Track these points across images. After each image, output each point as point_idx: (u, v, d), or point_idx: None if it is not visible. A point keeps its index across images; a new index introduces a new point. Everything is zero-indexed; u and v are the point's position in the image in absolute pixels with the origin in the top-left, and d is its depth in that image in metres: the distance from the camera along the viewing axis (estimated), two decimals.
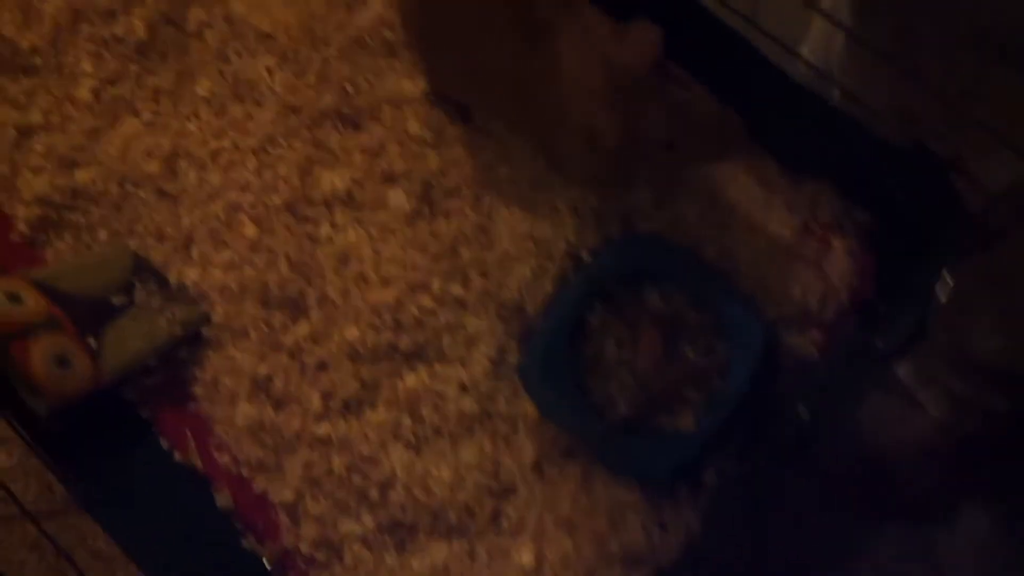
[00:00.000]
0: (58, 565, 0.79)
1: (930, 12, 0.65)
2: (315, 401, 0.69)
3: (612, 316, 0.66)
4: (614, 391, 0.65)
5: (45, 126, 0.79)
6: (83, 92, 0.79)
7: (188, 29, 0.79)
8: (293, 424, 0.69)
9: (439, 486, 0.66)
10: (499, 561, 0.65)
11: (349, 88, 0.75)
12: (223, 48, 0.77)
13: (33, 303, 0.65)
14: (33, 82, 0.80)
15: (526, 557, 0.65)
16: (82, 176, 0.77)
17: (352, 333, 0.70)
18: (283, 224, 0.73)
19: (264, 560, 0.66)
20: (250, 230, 0.73)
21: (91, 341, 0.67)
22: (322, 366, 0.70)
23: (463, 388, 0.70)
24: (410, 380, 0.70)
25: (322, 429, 0.69)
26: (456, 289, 0.71)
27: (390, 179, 0.73)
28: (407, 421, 0.69)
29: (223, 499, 0.68)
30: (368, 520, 0.66)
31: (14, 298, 0.64)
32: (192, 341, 0.71)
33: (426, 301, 0.70)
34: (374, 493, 0.66)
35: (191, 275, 0.73)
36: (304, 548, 0.66)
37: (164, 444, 0.69)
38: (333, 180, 0.73)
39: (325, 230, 0.73)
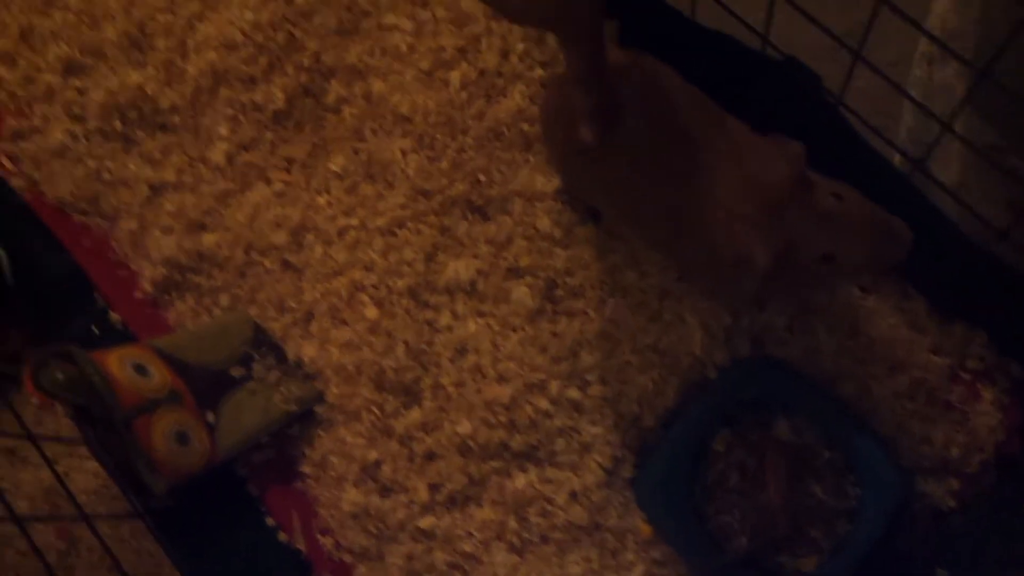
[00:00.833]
0: None
1: None
2: (422, 492, 0.68)
3: (737, 442, 0.64)
4: (734, 521, 0.63)
5: (177, 185, 0.80)
6: (217, 155, 0.80)
7: (327, 103, 0.79)
8: (398, 513, 0.68)
9: None
10: None
11: (482, 177, 0.74)
12: (360, 126, 0.78)
13: (158, 376, 0.66)
14: (169, 140, 0.82)
15: None
16: (209, 240, 0.77)
17: (464, 427, 0.69)
18: (404, 308, 0.73)
19: None
20: (371, 311, 0.73)
21: (209, 416, 0.67)
22: (431, 456, 0.70)
23: (573, 495, 0.68)
24: (519, 481, 0.69)
25: (426, 522, 0.68)
26: (573, 393, 0.69)
27: (515, 273, 0.72)
28: (513, 523, 0.68)
29: None
30: None
31: (141, 370, 0.65)
32: (304, 418, 0.71)
33: (542, 402, 0.69)
34: None
35: (309, 351, 0.73)
36: None
37: (270, 522, 0.69)
38: (458, 269, 0.73)
39: (445, 319, 0.72)
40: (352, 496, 0.68)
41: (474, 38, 0.77)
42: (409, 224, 0.75)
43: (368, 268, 0.74)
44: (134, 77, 0.83)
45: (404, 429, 0.70)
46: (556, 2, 0.49)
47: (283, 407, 0.70)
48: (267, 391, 0.70)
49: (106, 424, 0.61)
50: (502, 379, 0.70)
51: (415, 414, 0.70)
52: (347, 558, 0.68)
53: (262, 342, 0.73)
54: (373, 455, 0.69)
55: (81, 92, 0.84)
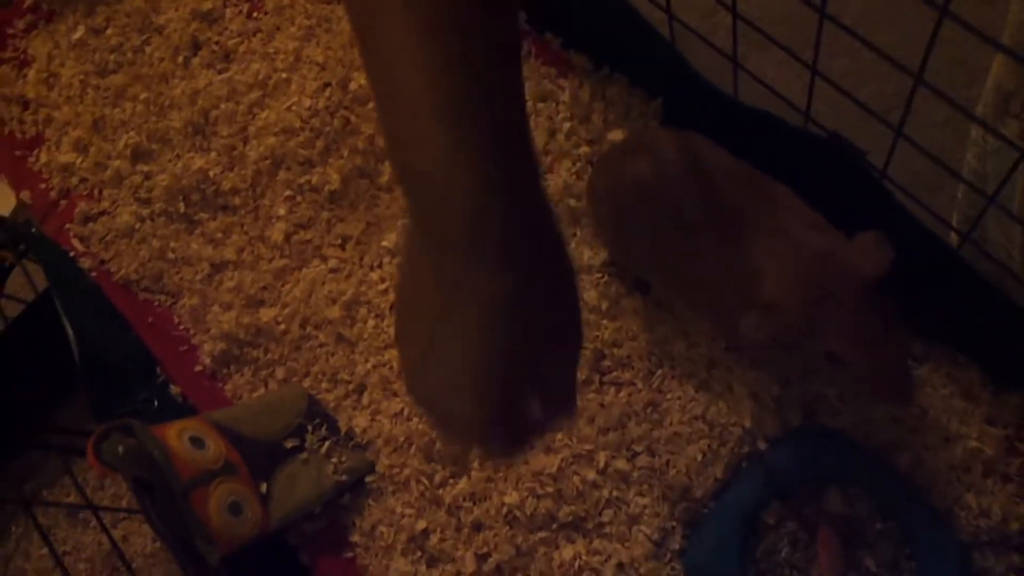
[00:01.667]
0: None
1: None
2: (469, 562, 0.68)
3: (788, 514, 0.63)
4: None
5: (237, 263, 0.83)
6: (276, 234, 0.83)
7: (380, 183, 0.82)
8: None
9: None
10: None
11: None
12: None
13: (214, 448, 0.67)
14: (230, 220, 0.86)
15: None
16: (266, 315, 0.80)
17: (512, 497, 0.69)
18: None
19: None
20: None
21: (263, 487, 0.68)
22: (478, 527, 0.70)
23: (620, 567, 0.67)
24: (567, 552, 0.68)
25: None
26: (621, 464, 0.69)
27: None
28: None
29: None
30: None
31: (198, 443, 0.67)
32: (355, 488, 0.72)
33: (589, 473, 0.69)
34: None
35: (360, 422, 0.74)
36: None
37: None
38: None
39: None
40: (400, 565, 0.69)
41: None
42: None
43: None
44: (198, 162, 0.87)
45: (452, 499, 0.70)
46: None
47: (335, 478, 0.71)
48: (319, 462, 0.72)
49: (165, 495, 0.63)
50: (550, 450, 0.70)
51: (463, 484, 0.71)
52: None
53: (315, 414, 0.74)
54: (421, 525, 0.70)
55: (148, 177, 0.89)
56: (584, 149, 0.79)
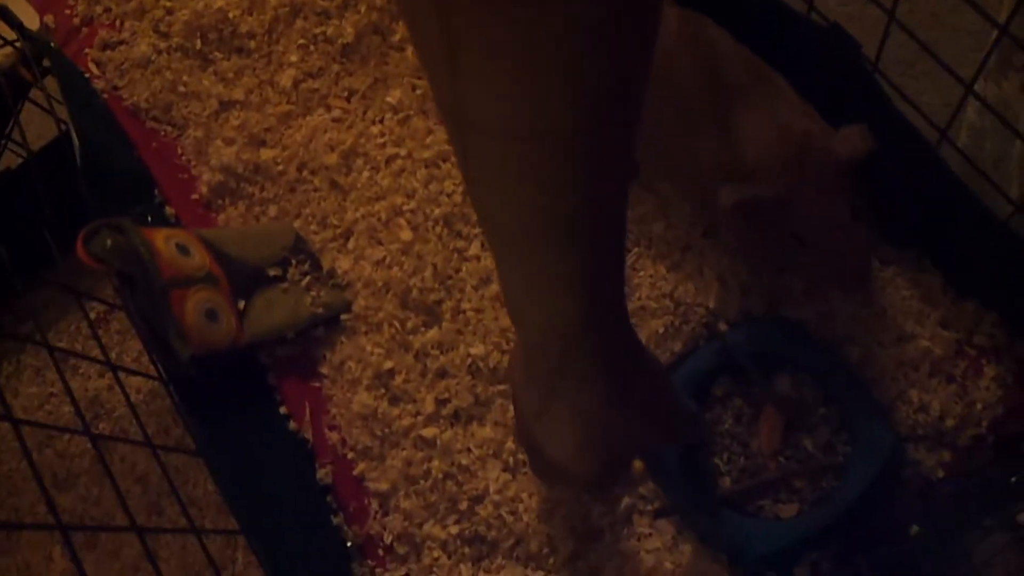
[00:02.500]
0: (159, 502, 0.84)
1: None
2: (429, 404, 0.71)
3: (737, 390, 0.66)
4: (721, 463, 0.64)
5: (244, 103, 0.85)
6: (285, 80, 0.85)
7: (392, 41, 0.84)
8: (403, 421, 0.70)
9: (528, 513, 0.66)
10: None
11: None
12: (420, 64, 0.82)
13: (199, 258, 0.70)
14: (243, 62, 0.87)
15: None
16: (267, 154, 0.82)
17: (478, 349, 0.72)
18: (437, 235, 0.76)
19: (348, 540, 0.68)
20: (406, 234, 0.76)
21: (240, 303, 0.71)
22: (443, 373, 0.72)
23: None
24: None
25: (429, 432, 0.70)
26: None
27: None
28: (510, 444, 0.70)
29: (324, 475, 0.70)
30: (453, 528, 0.66)
31: (183, 250, 0.69)
32: (330, 323, 0.75)
33: None
34: (464, 504, 0.67)
35: (343, 264, 0.77)
36: (387, 539, 0.67)
37: (283, 411, 0.73)
38: None
39: (474, 248, 0.75)
40: (363, 399, 0.72)
41: None
42: (452, 159, 0.78)
43: (409, 195, 0.78)
44: (219, 2, 0.89)
45: (421, 345, 0.73)
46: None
47: (311, 309, 0.74)
48: (299, 293, 0.74)
49: (145, 290, 0.66)
50: None
51: (433, 333, 0.73)
52: (350, 455, 0.71)
53: (301, 250, 0.77)
54: (389, 364, 0.73)
55: (169, 12, 0.91)
56: None
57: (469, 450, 0.70)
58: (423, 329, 0.74)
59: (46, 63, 0.86)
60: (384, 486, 0.69)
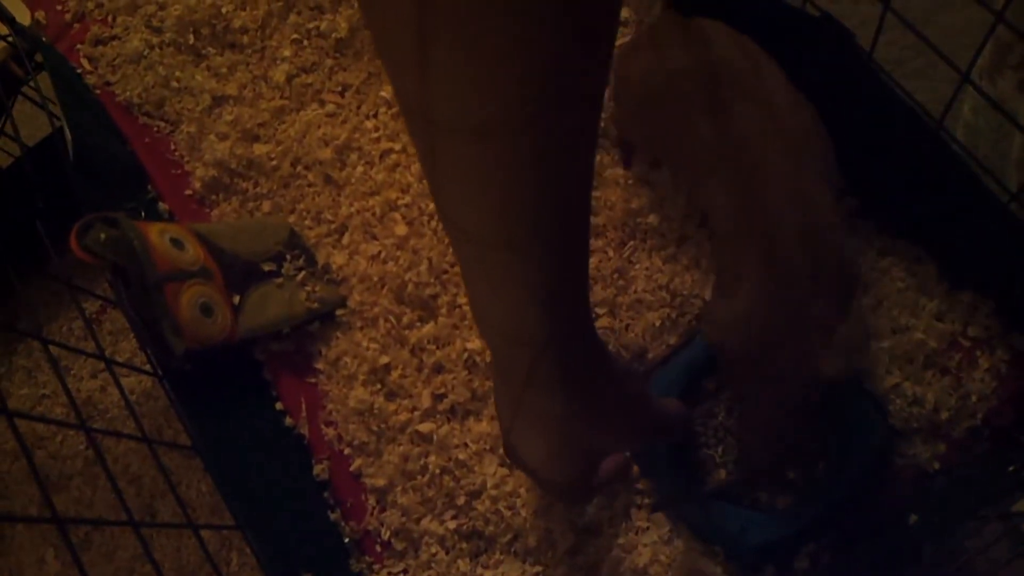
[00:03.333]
0: (152, 504, 0.83)
1: None
2: (425, 399, 0.71)
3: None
4: (716, 456, 0.64)
5: (238, 99, 0.85)
6: (278, 75, 0.85)
7: None
8: (400, 416, 0.70)
9: (526, 508, 0.66)
10: None
11: None
12: None
13: (193, 252, 0.70)
14: (236, 57, 0.87)
15: None
16: (260, 149, 0.82)
17: (474, 344, 0.72)
18: (432, 229, 0.76)
19: (345, 536, 0.68)
20: (401, 228, 0.76)
21: (235, 298, 0.71)
22: (439, 368, 0.72)
23: None
24: None
25: (426, 427, 0.70)
26: None
27: None
28: None
29: (320, 471, 0.70)
30: (450, 523, 0.66)
31: (177, 244, 0.69)
32: (325, 319, 0.75)
33: None
34: (461, 499, 0.67)
35: (338, 259, 0.77)
36: (384, 534, 0.67)
37: (279, 407, 0.72)
38: None
39: None
40: (359, 394, 0.71)
41: None
42: None
43: (404, 190, 0.78)
44: None
45: (417, 340, 0.73)
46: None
47: (306, 304, 0.73)
48: (293, 288, 0.74)
49: (139, 284, 0.65)
50: None
51: (429, 328, 0.73)
52: (346, 450, 0.71)
53: (295, 245, 0.76)
54: (385, 360, 0.72)
55: (162, 7, 0.90)
56: None
57: (466, 445, 0.69)
58: (419, 324, 0.74)
59: (38, 59, 0.85)
60: (381, 482, 0.68)
